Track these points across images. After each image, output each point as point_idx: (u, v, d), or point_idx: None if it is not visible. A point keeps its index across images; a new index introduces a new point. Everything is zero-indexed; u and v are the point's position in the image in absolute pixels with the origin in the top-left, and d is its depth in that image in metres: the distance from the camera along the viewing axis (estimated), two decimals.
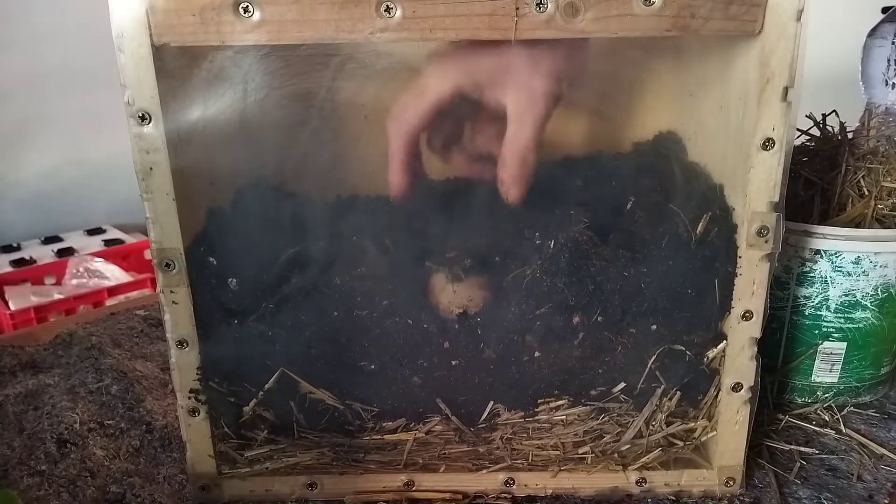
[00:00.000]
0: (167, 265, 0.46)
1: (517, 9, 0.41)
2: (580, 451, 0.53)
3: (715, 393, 0.51)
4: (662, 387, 0.52)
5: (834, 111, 0.67)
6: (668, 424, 0.53)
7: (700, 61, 0.52)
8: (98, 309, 1.07)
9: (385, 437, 0.54)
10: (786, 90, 0.43)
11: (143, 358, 0.75)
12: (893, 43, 0.72)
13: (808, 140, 0.68)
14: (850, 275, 0.58)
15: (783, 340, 0.63)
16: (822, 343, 0.61)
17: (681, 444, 0.52)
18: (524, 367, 0.52)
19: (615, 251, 0.49)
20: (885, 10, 0.74)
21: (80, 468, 0.56)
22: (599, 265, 0.49)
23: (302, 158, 0.48)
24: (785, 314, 0.62)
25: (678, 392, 0.52)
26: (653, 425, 0.53)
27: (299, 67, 0.47)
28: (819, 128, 0.67)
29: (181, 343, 0.49)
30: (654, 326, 0.51)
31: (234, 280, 0.49)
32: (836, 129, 0.66)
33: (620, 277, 0.49)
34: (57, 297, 1.51)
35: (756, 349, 0.49)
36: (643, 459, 0.52)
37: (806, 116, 0.66)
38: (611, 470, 0.52)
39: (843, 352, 0.61)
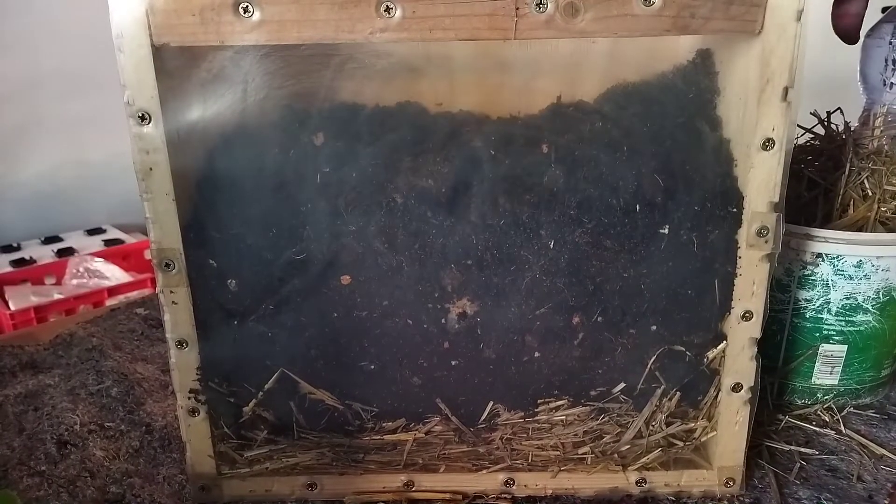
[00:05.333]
0: (167, 265, 0.46)
1: (517, 9, 0.41)
2: (580, 451, 0.53)
3: (715, 393, 0.51)
4: (662, 387, 0.52)
5: (839, 108, 0.67)
6: (668, 425, 0.53)
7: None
8: (98, 308, 1.07)
9: (385, 437, 0.54)
10: (786, 90, 0.43)
11: (143, 360, 0.75)
12: (891, 43, 0.71)
13: (812, 138, 0.68)
14: (851, 278, 0.58)
15: (784, 342, 0.63)
16: (822, 345, 0.61)
17: (681, 444, 0.52)
18: (524, 368, 0.51)
19: (615, 251, 0.49)
20: (884, 10, 0.74)
21: (79, 469, 0.56)
22: (599, 265, 0.49)
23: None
24: (786, 316, 0.62)
25: (678, 392, 0.52)
26: (653, 426, 0.53)
27: (299, 67, 0.47)
28: (823, 126, 0.67)
29: (181, 343, 0.49)
30: (654, 327, 0.51)
31: (234, 281, 0.49)
32: (841, 127, 0.66)
33: (620, 278, 0.49)
34: (57, 297, 1.51)
35: (756, 349, 0.49)
36: (643, 460, 0.52)
37: (810, 114, 0.66)
38: (611, 470, 0.52)
39: (844, 354, 0.61)
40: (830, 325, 0.60)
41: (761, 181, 0.45)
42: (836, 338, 0.61)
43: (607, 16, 0.41)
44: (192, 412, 0.50)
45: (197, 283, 0.48)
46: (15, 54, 1.65)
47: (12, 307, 1.46)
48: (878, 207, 0.60)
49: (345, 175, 0.47)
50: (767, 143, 0.44)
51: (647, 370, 0.51)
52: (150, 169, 0.44)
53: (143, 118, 0.43)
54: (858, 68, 0.68)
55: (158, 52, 0.42)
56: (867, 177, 0.62)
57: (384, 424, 0.54)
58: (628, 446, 0.53)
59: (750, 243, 0.47)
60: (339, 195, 0.47)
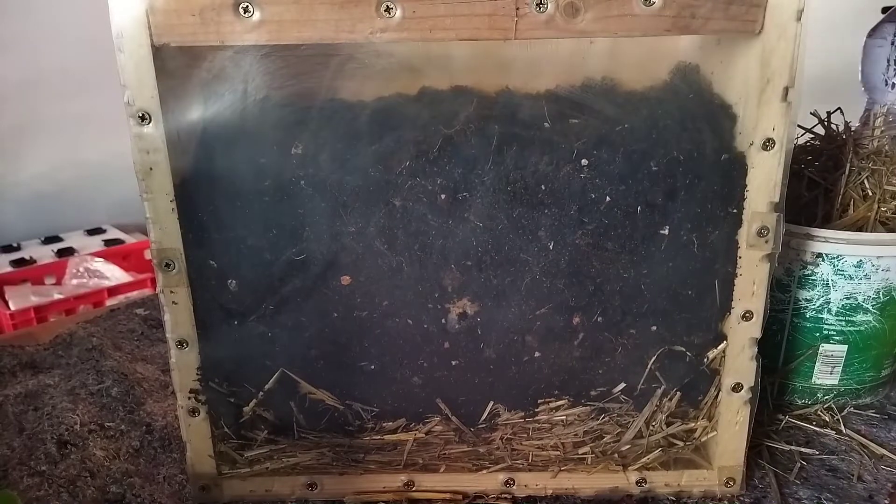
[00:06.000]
0: (167, 265, 0.46)
1: (517, 9, 0.41)
2: (580, 451, 0.53)
3: (715, 393, 0.51)
4: (662, 387, 0.52)
5: (839, 108, 0.67)
6: (669, 425, 0.53)
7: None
8: (98, 308, 1.08)
9: (385, 437, 0.54)
10: (786, 90, 0.43)
11: (143, 360, 0.75)
12: (893, 43, 0.71)
13: (812, 138, 0.68)
14: (851, 278, 0.58)
15: (784, 342, 0.63)
16: (822, 345, 0.61)
17: (681, 444, 0.52)
18: (524, 368, 0.52)
19: (615, 252, 0.49)
20: (885, 10, 0.74)
21: (80, 468, 0.56)
22: (599, 266, 0.49)
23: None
24: (786, 316, 0.62)
25: (678, 392, 0.52)
26: (653, 426, 0.53)
27: (299, 67, 0.47)
28: (823, 126, 0.67)
29: (181, 343, 0.49)
30: (655, 327, 0.51)
31: (234, 281, 0.49)
32: (841, 127, 0.66)
33: (620, 278, 0.49)
34: (57, 297, 1.51)
35: (756, 349, 0.49)
36: (643, 460, 0.52)
37: (811, 114, 0.66)
38: (611, 470, 0.52)
39: (844, 354, 0.61)
40: (830, 324, 0.60)
41: (761, 181, 0.45)
42: (837, 338, 0.61)
43: (607, 16, 0.41)
44: (193, 412, 0.50)
45: (197, 284, 0.48)
46: (15, 54, 1.65)
47: (12, 307, 1.46)
48: (878, 207, 0.60)
49: (345, 175, 0.47)
50: (768, 143, 0.44)
51: (647, 370, 0.51)
52: (151, 169, 0.44)
53: (143, 118, 0.43)
54: (859, 68, 0.68)
55: (158, 52, 0.42)
56: (867, 177, 0.62)
57: (384, 424, 0.54)
58: (628, 446, 0.53)
59: (750, 243, 0.47)
60: (339, 195, 0.47)
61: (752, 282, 0.47)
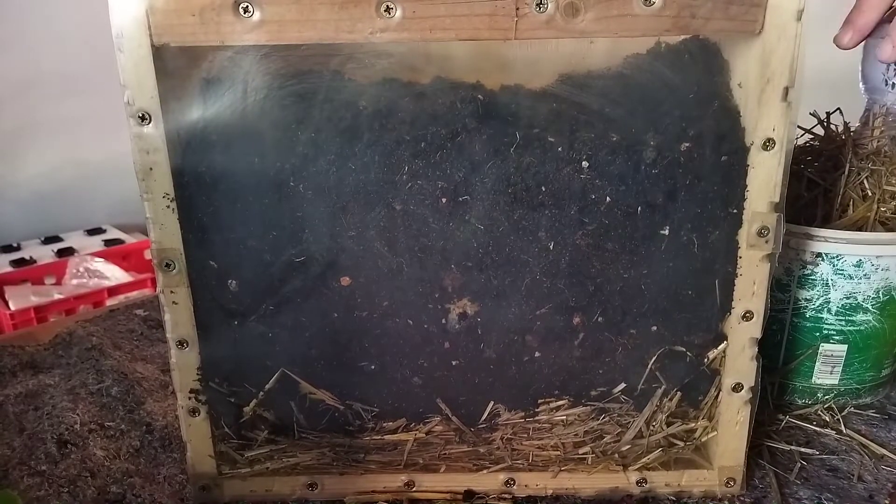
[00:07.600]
0: (167, 265, 0.46)
1: (517, 9, 0.41)
2: (580, 451, 0.53)
3: (715, 393, 0.51)
4: (663, 387, 0.52)
5: (838, 109, 0.67)
6: (669, 425, 0.53)
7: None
8: (97, 309, 1.08)
9: (385, 437, 0.54)
10: (786, 90, 0.43)
11: (143, 360, 0.75)
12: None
13: (811, 139, 0.68)
14: (851, 278, 0.58)
15: (784, 342, 0.63)
16: (822, 345, 0.61)
17: (681, 444, 0.52)
18: (524, 368, 0.52)
19: (616, 252, 0.49)
20: None
21: (80, 468, 0.56)
22: (600, 266, 0.49)
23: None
24: (786, 316, 0.62)
25: (679, 392, 0.52)
26: (653, 426, 0.53)
27: (299, 67, 0.47)
28: (823, 126, 0.67)
29: (181, 343, 0.49)
30: (655, 327, 0.51)
31: (234, 281, 0.49)
32: (840, 128, 0.66)
33: (620, 278, 0.49)
34: (57, 297, 1.51)
35: (756, 349, 0.49)
36: (644, 460, 0.52)
37: (810, 114, 0.66)
38: (611, 470, 0.52)
39: (844, 354, 0.61)
40: (830, 324, 0.60)
41: (762, 181, 0.45)
42: (837, 337, 0.61)
43: (608, 16, 0.41)
44: (193, 412, 0.50)
45: (197, 284, 0.48)
46: (14, 54, 1.66)
47: (12, 307, 1.46)
48: (878, 207, 0.60)
49: (345, 176, 0.47)
50: (768, 144, 0.44)
51: (647, 370, 0.51)
52: (151, 169, 0.44)
53: (143, 118, 0.43)
54: (859, 68, 0.68)
55: (158, 52, 0.42)
56: (867, 177, 0.62)
57: (385, 424, 0.54)
58: (629, 446, 0.53)
59: (750, 243, 0.47)
60: (339, 196, 0.47)
61: (752, 282, 0.48)
